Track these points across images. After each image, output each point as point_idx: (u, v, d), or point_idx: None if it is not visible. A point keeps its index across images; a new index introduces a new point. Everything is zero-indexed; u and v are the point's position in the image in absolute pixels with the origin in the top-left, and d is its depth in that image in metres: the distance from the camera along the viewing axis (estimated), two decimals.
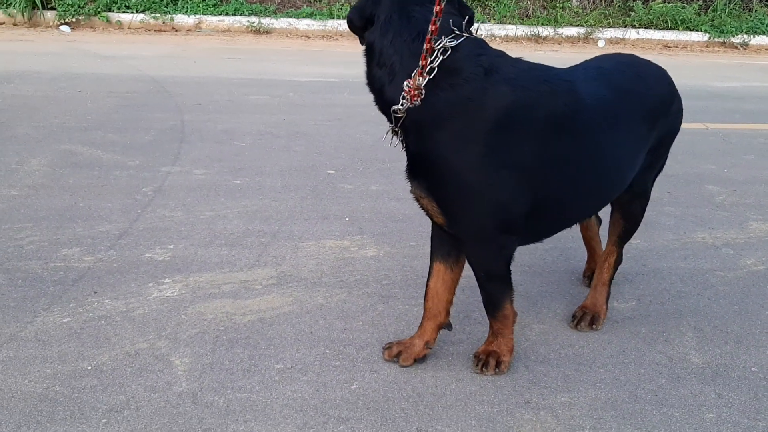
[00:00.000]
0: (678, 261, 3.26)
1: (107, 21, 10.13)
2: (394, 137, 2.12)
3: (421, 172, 2.11)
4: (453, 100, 1.98)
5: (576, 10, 11.76)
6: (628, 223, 2.63)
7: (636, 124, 2.31)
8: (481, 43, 2.06)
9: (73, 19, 9.92)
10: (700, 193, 4.23)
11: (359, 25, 2.07)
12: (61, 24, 9.79)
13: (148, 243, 3.25)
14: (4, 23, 9.88)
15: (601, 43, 11.03)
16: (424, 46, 1.89)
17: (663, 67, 2.57)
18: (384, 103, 2.06)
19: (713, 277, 3.10)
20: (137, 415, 2.07)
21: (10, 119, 5.23)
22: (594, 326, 2.62)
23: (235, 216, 3.61)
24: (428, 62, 1.91)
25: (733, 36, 11.21)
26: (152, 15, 10.33)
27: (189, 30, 10.45)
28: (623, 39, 11.25)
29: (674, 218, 3.79)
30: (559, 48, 10.75)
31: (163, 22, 10.34)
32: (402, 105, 1.97)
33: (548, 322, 2.68)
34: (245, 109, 5.93)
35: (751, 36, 11.25)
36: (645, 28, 11.41)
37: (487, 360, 2.30)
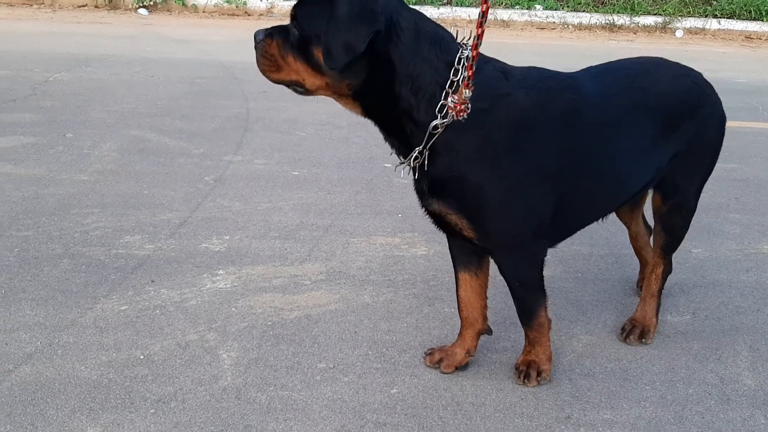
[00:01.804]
0: (739, 273, 3.14)
1: (183, 5, 10.39)
2: (403, 161, 2.04)
3: (449, 190, 2.02)
4: (487, 108, 1.95)
5: None
6: (669, 235, 2.54)
7: (641, 119, 2.23)
8: (488, 58, 2.04)
9: (151, 2, 10.22)
10: (766, 200, 4.06)
11: (369, 34, 1.83)
12: (140, 7, 10.11)
13: (205, 233, 3.34)
14: (86, 5, 10.26)
15: (679, 33, 10.64)
16: (468, 53, 1.85)
17: (696, 70, 2.45)
18: (413, 123, 1.94)
19: None
20: (183, 408, 2.15)
21: (85, 102, 5.45)
22: (643, 340, 2.56)
23: (291, 208, 3.67)
24: (472, 71, 1.85)
25: None
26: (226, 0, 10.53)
27: (261, 14, 10.62)
28: (703, 29, 10.82)
29: (739, 226, 3.65)
30: (634, 38, 10.43)
31: (236, 6, 10.55)
32: (443, 121, 1.91)
33: (596, 333, 2.64)
34: (310, 98, 5.98)
35: None
36: (727, 18, 10.94)
37: (528, 371, 2.28)
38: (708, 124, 2.40)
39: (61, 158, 4.22)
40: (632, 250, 2.97)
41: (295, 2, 1.96)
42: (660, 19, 10.80)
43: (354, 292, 2.87)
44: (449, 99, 1.88)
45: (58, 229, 3.30)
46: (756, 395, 2.31)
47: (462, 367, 2.37)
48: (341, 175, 4.16)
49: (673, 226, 2.52)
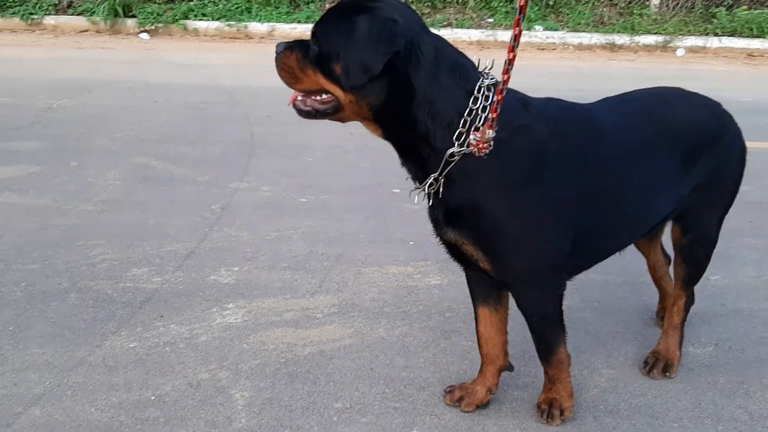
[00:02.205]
0: (760, 302, 3.08)
1: (184, 29, 10.39)
2: (418, 186, 2.01)
3: (465, 219, 1.98)
4: (506, 138, 1.90)
5: (654, 17, 11.38)
6: (690, 268, 2.49)
7: (661, 151, 2.19)
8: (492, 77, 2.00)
9: (152, 27, 10.21)
10: None
11: (387, 55, 1.80)
12: (141, 31, 10.09)
13: (213, 264, 3.28)
14: (87, 30, 10.26)
15: (680, 52, 10.63)
16: (496, 98, 1.79)
17: (715, 100, 2.39)
18: (430, 149, 1.91)
19: None
20: None
21: (89, 130, 5.41)
22: (667, 374, 2.49)
23: (300, 237, 3.61)
24: (496, 113, 1.81)
25: None
26: (227, 23, 10.55)
27: (262, 38, 10.61)
28: (704, 48, 10.81)
29: (756, 252, 3.59)
30: (635, 57, 10.42)
31: (237, 30, 10.54)
32: (461, 150, 1.87)
33: (618, 367, 2.57)
34: (314, 122, 5.95)
35: None
36: (728, 35, 10.94)
37: (551, 410, 2.21)
38: (729, 154, 2.35)
39: (66, 188, 4.17)
40: (648, 278, 2.92)
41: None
42: (660, 39, 10.80)
43: (368, 325, 2.80)
44: (471, 136, 1.84)
45: (64, 261, 3.24)
46: None
47: (483, 406, 2.30)
48: (350, 202, 4.11)
49: (695, 259, 2.47)
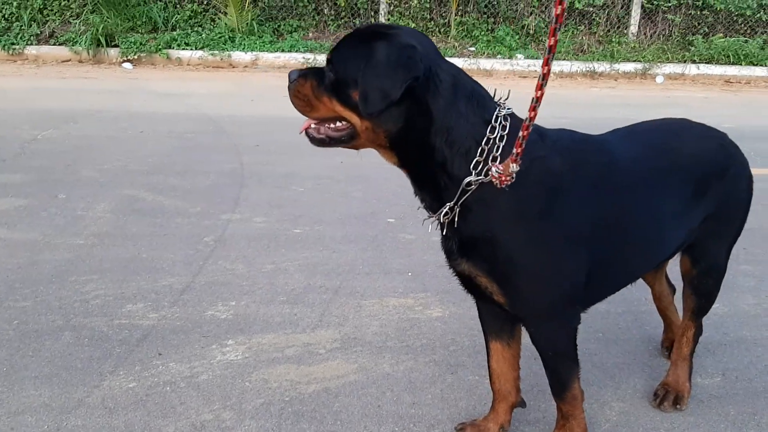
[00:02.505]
0: (762, 329, 3.08)
1: (167, 58, 10.36)
2: (431, 215, 1.98)
3: (480, 251, 1.94)
4: (524, 169, 1.86)
5: (633, 45, 11.57)
6: (701, 299, 2.48)
7: (672, 183, 2.18)
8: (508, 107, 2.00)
9: (135, 56, 10.18)
10: None
11: (406, 81, 1.77)
12: (124, 61, 10.06)
13: (210, 299, 3.21)
14: (70, 60, 10.20)
15: (659, 79, 10.80)
16: (522, 133, 1.76)
17: (721, 131, 2.40)
18: (447, 177, 1.90)
19: None
20: None
21: (76, 161, 5.33)
22: (678, 406, 2.47)
23: (296, 269, 3.56)
24: (521, 148, 1.78)
25: None
26: (210, 52, 10.54)
27: (246, 66, 10.62)
28: (683, 75, 11.01)
29: (753, 279, 3.60)
30: (615, 84, 10.56)
31: (221, 59, 10.54)
32: (478, 179, 1.85)
33: (628, 400, 2.54)
34: (303, 151, 5.92)
35: None
36: (705, 63, 11.15)
37: None
38: (737, 185, 2.35)
39: (55, 221, 4.09)
40: (649, 307, 2.91)
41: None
42: (640, 66, 10.97)
43: (372, 360, 2.75)
44: (494, 169, 1.81)
45: (57, 298, 3.16)
46: None
47: None
48: (345, 232, 4.07)
49: (705, 290, 2.45)
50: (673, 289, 2.83)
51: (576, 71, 10.99)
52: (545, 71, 1.63)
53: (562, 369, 2.12)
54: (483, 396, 2.52)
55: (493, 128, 1.86)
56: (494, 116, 1.88)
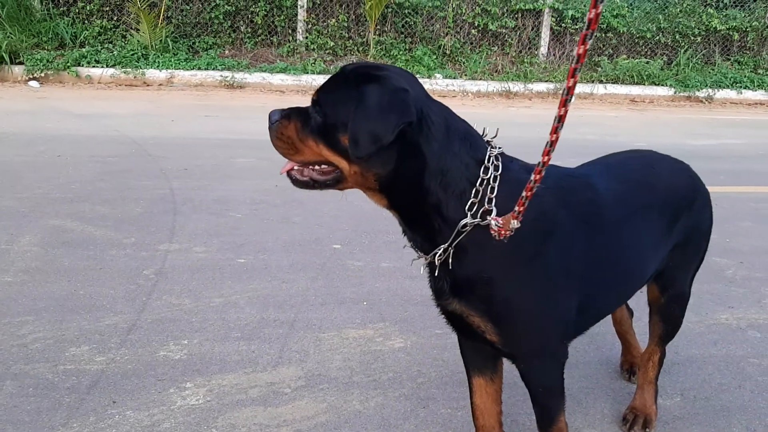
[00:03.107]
0: (709, 347, 3.21)
1: (77, 76, 9.91)
2: (422, 256, 1.94)
3: (476, 291, 1.91)
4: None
5: (544, 66, 12.00)
6: (668, 325, 2.55)
7: (651, 215, 2.23)
8: (510, 158, 1.98)
9: (42, 74, 9.68)
10: (710, 266, 4.20)
11: (399, 125, 1.73)
12: (30, 79, 9.54)
13: (160, 338, 3.05)
14: None
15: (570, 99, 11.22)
16: (524, 193, 1.71)
17: (685, 162, 2.48)
18: (441, 219, 1.85)
19: (749, 366, 3.04)
20: None
21: None
22: (647, 429, 2.52)
23: (246, 302, 3.43)
24: (524, 207, 1.74)
25: (698, 90, 11.55)
26: (123, 69, 10.16)
27: (161, 84, 10.30)
28: (591, 94, 11.50)
29: (693, 296, 3.74)
30: (530, 104, 10.90)
31: (135, 77, 10.18)
32: (473, 221, 1.82)
33: (598, 426, 2.58)
34: (234, 174, 5.79)
35: (715, 90, 11.62)
36: (612, 83, 11.69)
37: None
38: (702, 214, 2.43)
39: None
40: (602, 327, 2.96)
41: (318, 87, 1.89)
42: (551, 86, 11.38)
43: (341, 398, 2.67)
44: (493, 222, 1.79)
45: None
46: None
47: None
48: (291, 261, 3.97)
49: (672, 317, 2.53)
50: (632, 313, 2.90)
51: (492, 91, 11.28)
52: (562, 113, 1.57)
53: (551, 404, 2.12)
54: (457, 429, 2.50)
55: (486, 169, 1.85)
56: (486, 156, 1.86)
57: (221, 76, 10.46)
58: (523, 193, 1.73)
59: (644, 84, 11.67)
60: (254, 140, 7.05)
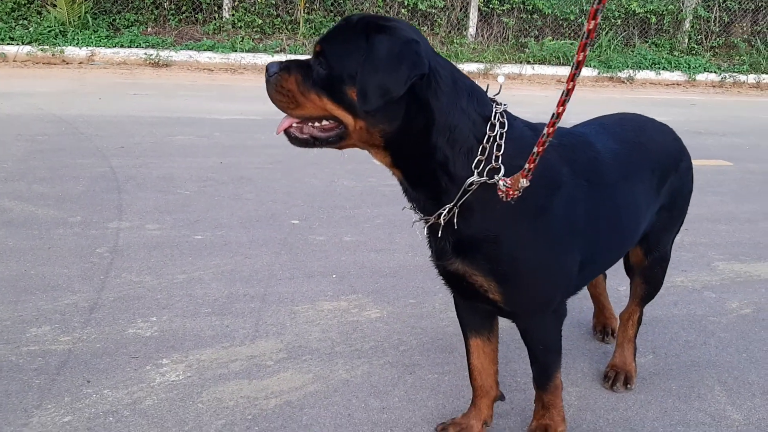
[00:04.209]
0: (670, 308, 3.32)
1: None
2: (423, 217, 1.91)
3: (480, 250, 1.88)
4: (523, 165, 1.82)
5: (473, 46, 12.13)
6: (650, 286, 2.62)
7: (645, 176, 2.28)
8: (515, 116, 1.96)
9: None
10: None
11: (411, 78, 1.68)
12: None
13: (126, 316, 2.91)
14: None
15: (500, 79, 11.36)
16: (535, 149, 1.69)
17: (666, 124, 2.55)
18: (448, 177, 1.81)
19: (710, 324, 3.17)
20: None
21: None
22: (628, 386, 2.59)
23: (211, 278, 3.32)
24: (534, 164, 1.72)
25: (620, 71, 11.95)
26: (40, 47, 9.62)
27: (81, 63, 9.82)
28: (520, 75, 11.70)
29: None
30: None
31: (53, 55, 9.66)
32: (480, 179, 1.79)
33: (581, 384, 2.63)
34: (174, 151, 5.58)
35: (636, 71, 12.05)
36: (539, 64, 11.94)
37: None
38: (686, 177, 2.48)
39: None
40: None
41: (320, 37, 1.81)
42: (482, 66, 11.51)
43: (326, 368, 2.62)
44: (501, 183, 1.76)
45: None
46: (748, 429, 2.41)
47: None
48: (251, 237, 3.86)
49: (655, 278, 2.59)
50: (605, 275, 2.97)
51: None
52: (570, 87, 1.56)
53: (550, 360, 2.14)
54: (447, 393, 2.50)
55: (493, 126, 1.82)
56: (493, 113, 1.84)
57: (145, 53, 10.06)
58: (534, 149, 1.71)
59: (569, 65, 11.96)
60: (189, 117, 6.84)
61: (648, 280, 2.58)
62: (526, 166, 1.72)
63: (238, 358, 2.65)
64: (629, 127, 2.38)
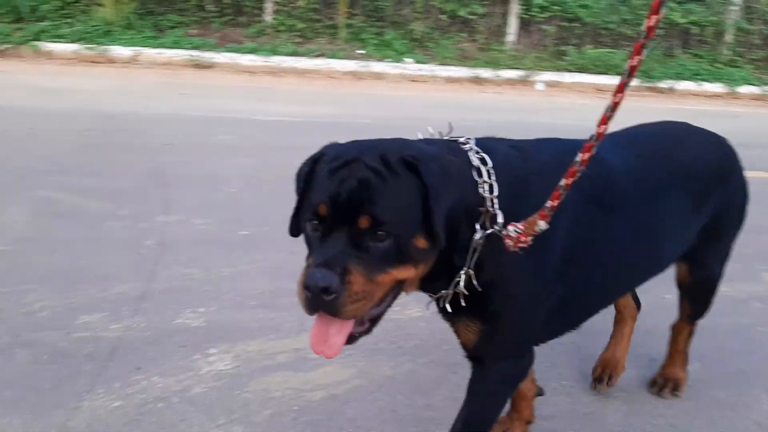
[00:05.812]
0: (716, 317, 3.22)
1: (37, 50, 9.55)
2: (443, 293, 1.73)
3: (481, 301, 1.71)
4: (519, 193, 1.71)
5: (512, 53, 12.09)
6: (696, 305, 2.52)
7: (675, 194, 2.08)
8: (487, 140, 1.81)
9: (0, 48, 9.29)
10: None
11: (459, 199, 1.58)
12: None
13: (174, 306, 2.96)
14: None
15: (539, 86, 11.34)
16: (563, 181, 1.50)
17: (721, 135, 2.35)
18: (458, 254, 1.64)
19: (757, 333, 3.13)
20: None
21: None
22: (676, 393, 2.56)
23: (257, 273, 3.37)
24: (555, 204, 1.53)
25: (660, 81, 11.80)
26: (86, 45, 9.83)
27: (125, 62, 9.99)
28: (559, 82, 11.62)
29: None
30: (501, 90, 10.96)
31: (98, 54, 9.85)
32: (485, 232, 1.63)
33: (627, 389, 2.61)
34: (219, 150, 5.66)
35: (676, 81, 11.89)
36: (579, 72, 11.85)
37: None
38: (737, 190, 2.33)
39: None
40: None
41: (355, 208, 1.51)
42: (521, 73, 11.47)
43: (370, 364, 2.64)
44: (511, 228, 1.58)
45: None
46: None
47: None
48: None
49: (701, 298, 2.49)
50: (638, 305, 2.76)
51: (462, 76, 11.29)
52: (617, 100, 1.40)
53: (495, 411, 1.96)
54: None
55: (479, 171, 1.66)
56: (472, 166, 1.66)
57: (189, 55, 10.21)
58: (562, 182, 1.50)
59: (609, 74, 11.85)
60: (232, 118, 6.93)
61: (693, 300, 2.50)
62: (548, 203, 1.52)
63: (284, 351, 2.69)
64: (662, 140, 2.22)
